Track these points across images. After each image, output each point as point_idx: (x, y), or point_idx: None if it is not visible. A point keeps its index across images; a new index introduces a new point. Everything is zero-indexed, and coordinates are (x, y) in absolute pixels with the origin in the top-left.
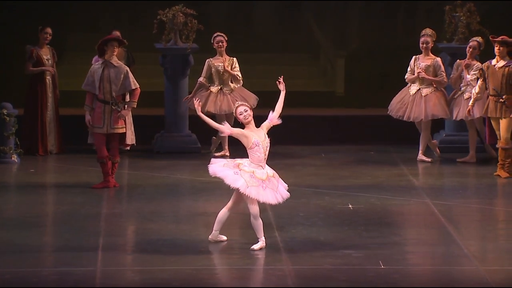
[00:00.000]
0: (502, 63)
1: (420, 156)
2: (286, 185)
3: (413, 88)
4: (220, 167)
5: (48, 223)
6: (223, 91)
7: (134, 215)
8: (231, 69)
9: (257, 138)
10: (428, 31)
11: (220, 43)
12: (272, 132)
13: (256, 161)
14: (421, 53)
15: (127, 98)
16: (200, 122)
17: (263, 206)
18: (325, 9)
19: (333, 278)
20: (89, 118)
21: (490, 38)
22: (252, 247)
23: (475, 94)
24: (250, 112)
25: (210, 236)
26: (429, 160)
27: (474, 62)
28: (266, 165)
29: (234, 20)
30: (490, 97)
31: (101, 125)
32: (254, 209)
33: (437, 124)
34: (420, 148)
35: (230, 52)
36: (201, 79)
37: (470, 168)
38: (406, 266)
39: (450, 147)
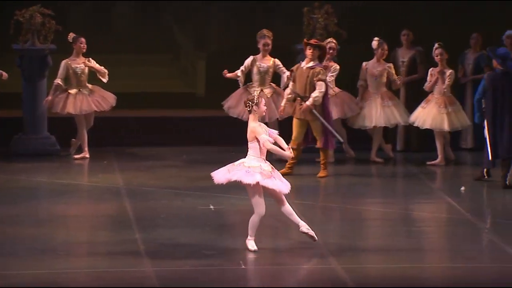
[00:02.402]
0: (310, 64)
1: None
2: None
3: (255, 90)
4: (227, 173)
5: None
6: (82, 92)
7: None
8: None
9: (265, 132)
10: (265, 32)
11: (85, 44)
12: (134, 134)
13: (261, 154)
14: (259, 53)
15: None
16: (59, 124)
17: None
18: (185, 9)
19: (194, 279)
20: None
21: (304, 41)
22: (252, 249)
23: (286, 95)
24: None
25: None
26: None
27: (332, 63)
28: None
29: (92, 20)
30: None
31: None
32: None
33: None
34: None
35: (89, 53)
36: (58, 80)
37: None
38: (266, 265)
39: (311, 147)
